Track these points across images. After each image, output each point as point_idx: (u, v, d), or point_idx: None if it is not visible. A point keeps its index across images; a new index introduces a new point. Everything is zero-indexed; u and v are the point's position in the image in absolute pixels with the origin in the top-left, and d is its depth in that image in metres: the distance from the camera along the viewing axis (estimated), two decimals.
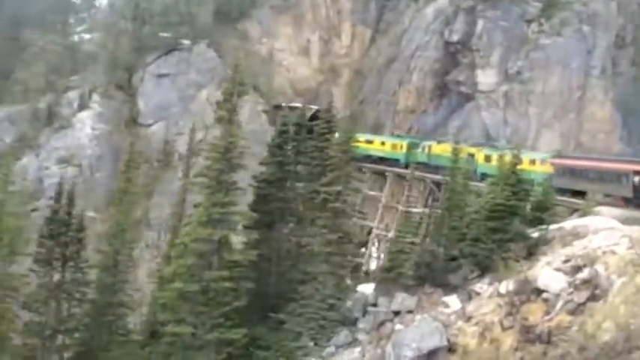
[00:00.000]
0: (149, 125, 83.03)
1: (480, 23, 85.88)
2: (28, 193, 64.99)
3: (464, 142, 67.16)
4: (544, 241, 37.21)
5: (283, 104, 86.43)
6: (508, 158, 43.16)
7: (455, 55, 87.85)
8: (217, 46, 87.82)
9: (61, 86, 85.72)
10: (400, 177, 73.94)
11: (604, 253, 30.01)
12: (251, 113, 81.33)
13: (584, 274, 29.21)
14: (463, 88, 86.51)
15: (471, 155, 66.68)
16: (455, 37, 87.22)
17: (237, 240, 38.64)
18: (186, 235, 34.40)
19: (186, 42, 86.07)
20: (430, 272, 38.46)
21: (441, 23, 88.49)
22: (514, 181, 40.31)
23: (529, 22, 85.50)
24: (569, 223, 38.98)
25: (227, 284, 33.01)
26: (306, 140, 48.09)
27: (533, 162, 61.64)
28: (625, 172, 52.85)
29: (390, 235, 66.23)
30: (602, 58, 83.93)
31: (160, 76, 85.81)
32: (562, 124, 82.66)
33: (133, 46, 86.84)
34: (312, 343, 35.11)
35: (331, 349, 34.47)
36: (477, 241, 38.61)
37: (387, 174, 76.15)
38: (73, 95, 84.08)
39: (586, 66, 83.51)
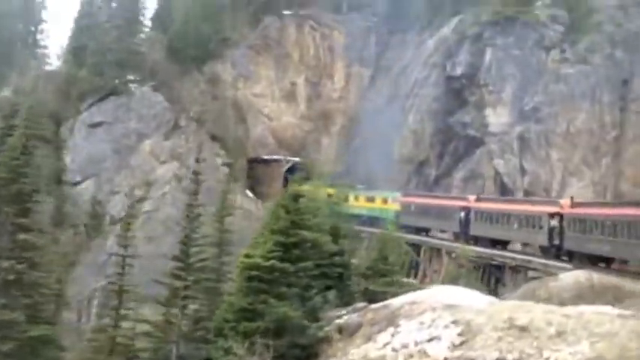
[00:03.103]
0: (76, 183, 73.01)
1: (489, 53, 76.51)
2: None
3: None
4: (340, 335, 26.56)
5: (265, 157, 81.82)
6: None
7: (460, 92, 77.99)
8: (167, 89, 78.13)
9: None
10: None
11: (409, 356, 20.93)
12: (207, 167, 70.82)
13: None
14: (471, 131, 76.79)
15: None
16: (458, 71, 77.51)
17: None
18: None
19: (133, 86, 76.61)
20: None
21: (443, 55, 78.82)
22: (283, 226, 29.24)
23: (548, 49, 75.92)
24: (405, 298, 28.79)
25: None
26: None
27: (385, 201, 70.21)
28: (454, 209, 60.08)
29: None
30: None
31: (93, 125, 76.36)
32: (594, 170, 72.92)
33: (63, 91, 77.39)
34: None
35: None
36: (219, 335, 27.50)
37: None
38: None
39: (623, 99, 73.65)
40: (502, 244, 55.26)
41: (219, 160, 75.67)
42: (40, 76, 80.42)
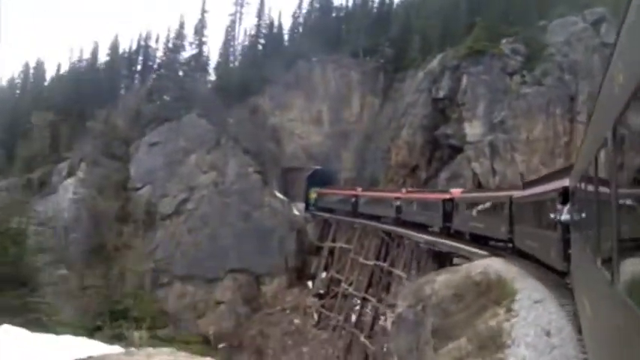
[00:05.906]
0: (137, 189, 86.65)
1: (465, 79, 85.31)
2: None
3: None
4: None
5: (294, 166, 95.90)
6: None
7: (443, 110, 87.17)
8: (212, 116, 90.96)
9: (55, 158, 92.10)
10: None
11: None
12: (238, 173, 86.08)
13: None
14: (452, 141, 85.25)
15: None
16: (441, 94, 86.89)
17: None
18: None
19: (192, 115, 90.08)
20: None
21: (429, 82, 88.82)
22: None
23: (511, 74, 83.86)
24: None
25: None
26: None
27: (313, 193, 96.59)
28: (349, 197, 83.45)
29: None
30: (586, 104, 78.97)
31: (152, 144, 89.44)
32: (550, 169, 74.79)
33: (133, 120, 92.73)
34: None
35: None
36: None
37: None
38: (63, 165, 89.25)
39: (570, 112, 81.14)
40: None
41: (250, 170, 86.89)
42: (115, 110, 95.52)
